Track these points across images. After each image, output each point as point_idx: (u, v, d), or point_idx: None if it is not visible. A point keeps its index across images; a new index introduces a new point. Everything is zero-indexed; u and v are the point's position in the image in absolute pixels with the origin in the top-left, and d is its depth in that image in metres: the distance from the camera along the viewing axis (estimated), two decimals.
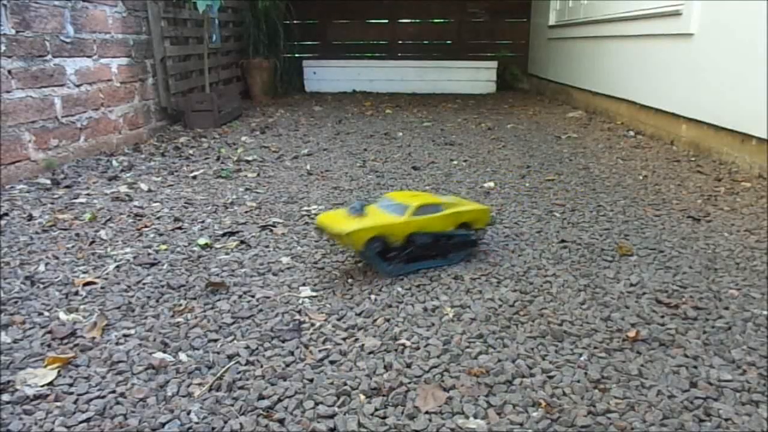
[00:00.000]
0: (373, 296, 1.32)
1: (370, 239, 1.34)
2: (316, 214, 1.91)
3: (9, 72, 2.19)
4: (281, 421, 0.91)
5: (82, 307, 1.27)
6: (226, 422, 0.90)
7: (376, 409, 0.93)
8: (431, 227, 1.43)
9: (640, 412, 0.92)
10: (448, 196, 1.62)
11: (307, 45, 6.30)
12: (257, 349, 1.11)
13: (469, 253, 1.53)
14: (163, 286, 1.38)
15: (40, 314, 1.24)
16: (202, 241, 1.66)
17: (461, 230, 1.49)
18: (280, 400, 0.95)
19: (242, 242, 1.67)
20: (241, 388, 0.99)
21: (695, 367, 1.04)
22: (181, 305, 1.28)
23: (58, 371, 1.03)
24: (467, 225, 1.50)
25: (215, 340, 1.14)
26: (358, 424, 0.89)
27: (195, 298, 1.32)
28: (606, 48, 3.95)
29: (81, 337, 1.15)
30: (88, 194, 2.13)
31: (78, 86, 2.62)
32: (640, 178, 2.36)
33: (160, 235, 1.73)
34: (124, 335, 1.15)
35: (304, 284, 1.38)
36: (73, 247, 1.63)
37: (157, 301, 1.31)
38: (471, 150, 2.95)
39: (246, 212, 1.94)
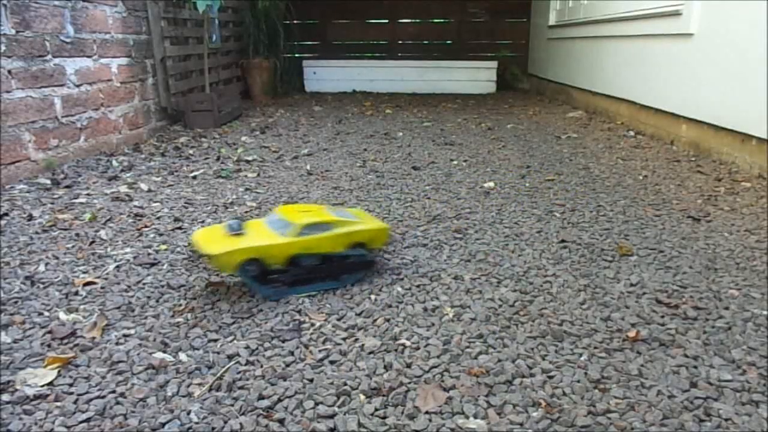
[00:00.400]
0: (373, 296, 1.32)
1: (244, 261, 1.24)
2: None
3: (9, 72, 2.19)
4: (281, 421, 0.91)
5: (82, 307, 1.27)
6: (226, 422, 0.90)
7: (376, 409, 0.93)
8: (319, 248, 1.31)
9: (640, 412, 0.92)
10: (349, 210, 1.49)
11: (307, 45, 6.29)
12: (257, 349, 1.11)
13: (364, 275, 1.40)
14: (163, 286, 1.38)
15: (40, 314, 1.24)
16: None
17: (356, 250, 1.37)
18: (280, 400, 0.95)
19: None
20: (241, 388, 0.99)
21: (695, 367, 1.04)
22: (181, 305, 1.28)
23: (58, 371, 1.03)
24: (362, 245, 1.39)
25: (215, 340, 1.14)
26: (358, 424, 0.89)
27: (195, 298, 1.32)
28: (606, 48, 3.95)
29: (81, 337, 1.15)
30: (88, 194, 2.13)
31: (78, 86, 2.62)
32: (640, 178, 2.36)
33: (160, 235, 1.73)
34: (124, 335, 1.15)
35: None
36: (73, 247, 1.63)
37: (157, 301, 1.31)
38: (471, 150, 2.95)
39: (246, 212, 1.94)
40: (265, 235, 1.29)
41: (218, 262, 1.23)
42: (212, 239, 1.27)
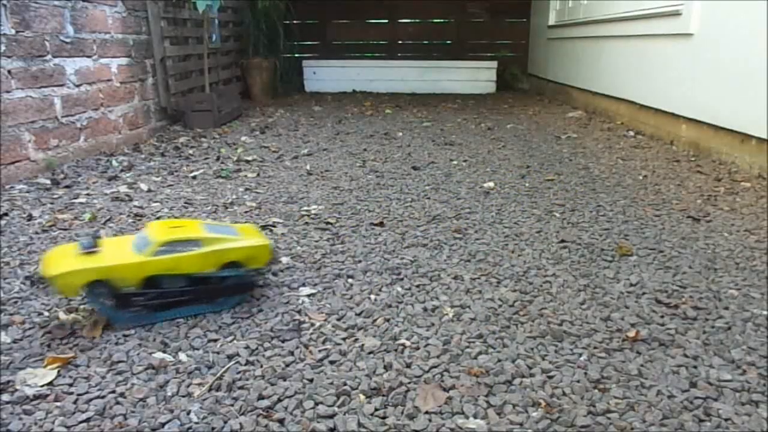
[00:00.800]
0: (373, 296, 1.32)
1: (89, 284, 1.12)
2: (316, 214, 1.91)
3: (9, 72, 2.19)
4: (281, 421, 0.91)
5: (82, 307, 1.27)
6: (226, 422, 0.90)
7: (376, 409, 0.93)
8: (183, 268, 1.18)
9: (640, 412, 0.92)
10: (234, 226, 1.33)
11: (307, 45, 6.30)
12: (257, 349, 1.11)
13: (244, 297, 1.29)
14: None
15: (40, 314, 1.24)
16: None
17: (232, 271, 1.24)
18: (280, 400, 0.95)
19: None
20: (241, 388, 0.99)
21: (695, 367, 1.04)
22: None
23: (58, 371, 1.03)
24: (238, 264, 1.25)
25: (215, 340, 1.14)
26: (358, 424, 0.89)
27: None
28: (606, 48, 3.95)
29: (81, 337, 1.15)
30: (87, 194, 2.13)
31: (78, 86, 2.62)
32: (640, 178, 2.36)
33: None
34: (124, 335, 1.15)
35: (304, 284, 1.38)
36: None
37: None
38: (471, 150, 2.95)
39: (246, 212, 1.94)
40: (120, 253, 1.16)
41: (57, 284, 1.10)
42: (60, 259, 1.14)
